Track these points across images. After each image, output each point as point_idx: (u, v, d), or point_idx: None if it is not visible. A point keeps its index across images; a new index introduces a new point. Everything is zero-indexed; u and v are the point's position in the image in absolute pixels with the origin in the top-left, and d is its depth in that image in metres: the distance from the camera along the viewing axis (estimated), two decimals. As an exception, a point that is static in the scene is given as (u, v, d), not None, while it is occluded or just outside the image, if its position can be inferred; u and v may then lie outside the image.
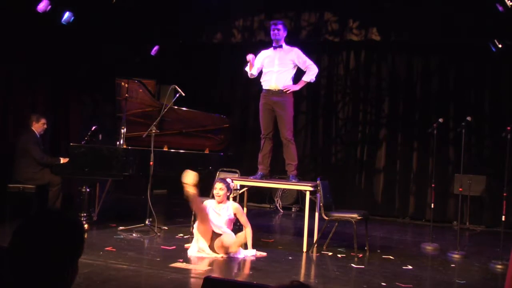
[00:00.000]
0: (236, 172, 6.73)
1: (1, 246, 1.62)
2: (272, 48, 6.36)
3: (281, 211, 9.17)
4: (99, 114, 9.02)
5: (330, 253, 5.71)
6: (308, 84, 9.42)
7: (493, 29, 7.69)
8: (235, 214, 5.34)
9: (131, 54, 9.12)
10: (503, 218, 5.73)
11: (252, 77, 6.47)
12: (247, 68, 6.43)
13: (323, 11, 8.72)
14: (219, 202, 5.33)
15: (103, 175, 6.26)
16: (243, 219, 5.42)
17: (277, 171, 7.96)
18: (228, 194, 5.44)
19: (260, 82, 6.45)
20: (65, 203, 6.69)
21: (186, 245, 5.54)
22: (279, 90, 6.23)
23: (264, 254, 5.42)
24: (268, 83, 6.30)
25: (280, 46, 6.29)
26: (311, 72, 6.34)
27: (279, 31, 6.24)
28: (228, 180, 5.52)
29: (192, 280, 4.44)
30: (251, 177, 6.30)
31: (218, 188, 5.33)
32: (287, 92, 6.23)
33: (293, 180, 6.19)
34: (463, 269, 5.34)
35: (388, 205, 8.98)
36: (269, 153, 6.42)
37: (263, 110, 6.38)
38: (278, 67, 6.24)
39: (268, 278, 4.50)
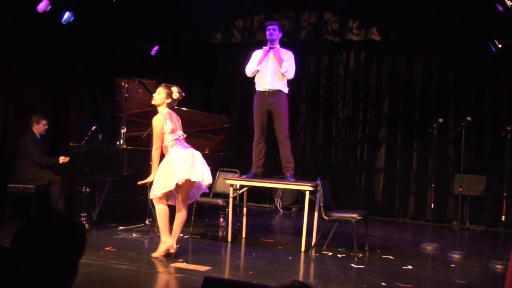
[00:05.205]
0: (236, 172, 6.73)
1: (1, 246, 1.62)
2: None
3: (281, 211, 9.17)
4: (99, 114, 9.02)
5: (330, 253, 5.71)
6: (308, 84, 9.55)
7: (493, 29, 7.69)
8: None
9: (131, 54, 9.12)
10: (503, 218, 5.73)
11: (253, 74, 6.37)
12: (255, 63, 6.33)
13: (323, 11, 8.71)
14: (157, 106, 5.10)
15: (103, 175, 6.25)
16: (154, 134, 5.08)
17: (277, 171, 7.96)
18: (166, 100, 5.07)
19: (255, 83, 6.44)
20: (65, 203, 6.68)
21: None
22: (274, 91, 6.22)
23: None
24: (263, 84, 6.29)
25: (275, 48, 6.29)
26: (289, 73, 6.23)
27: (275, 31, 6.26)
28: (174, 88, 5.10)
29: (192, 280, 4.44)
30: (243, 176, 6.31)
31: (157, 91, 5.10)
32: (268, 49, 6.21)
33: (291, 180, 6.19)
34: (463, 269, 5.34)
35: (388, 205, 8.98)
36: (263, 156, 6.42)
37: (258, 112, 6.36)
38: (272, 68, 6.23)
39: (268, 278, 4.50)
